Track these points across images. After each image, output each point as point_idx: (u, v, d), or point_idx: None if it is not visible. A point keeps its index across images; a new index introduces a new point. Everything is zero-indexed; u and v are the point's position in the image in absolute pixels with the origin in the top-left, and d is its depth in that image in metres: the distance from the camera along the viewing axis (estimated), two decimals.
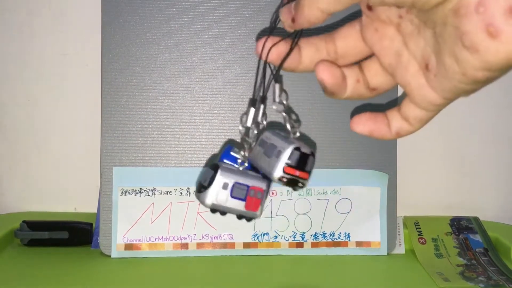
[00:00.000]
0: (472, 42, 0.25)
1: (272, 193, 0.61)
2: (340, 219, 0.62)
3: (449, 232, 0.65)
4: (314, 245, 0.62)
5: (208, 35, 0.60)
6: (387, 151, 0.63)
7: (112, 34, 0.59)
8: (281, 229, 0.61)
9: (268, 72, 0.38)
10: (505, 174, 0.73)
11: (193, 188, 0.60)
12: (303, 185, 0.36)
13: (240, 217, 0.39)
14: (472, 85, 0.28)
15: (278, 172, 0.35)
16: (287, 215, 0.61)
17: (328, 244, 0.62)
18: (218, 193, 0.36)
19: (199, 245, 0.60)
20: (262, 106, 0.37)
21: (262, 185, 0.38)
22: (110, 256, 0.58)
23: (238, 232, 0.60)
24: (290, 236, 0.61)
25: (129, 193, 0.59)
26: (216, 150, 0.60)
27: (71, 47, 0.67)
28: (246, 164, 0.38)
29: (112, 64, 0.59)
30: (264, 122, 0.37)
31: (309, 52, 0.35)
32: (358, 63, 0.35)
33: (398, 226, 0.64)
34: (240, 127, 0.37)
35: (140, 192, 0.59)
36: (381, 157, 0.62)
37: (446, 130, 0.72)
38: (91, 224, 0.62)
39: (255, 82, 0.38)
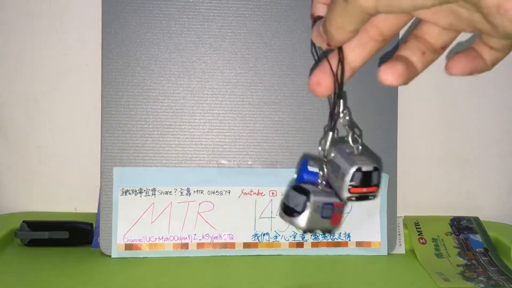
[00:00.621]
0: None
1: (273, 193, 0.61)
2: None
3: (449, 232, 0.65)
4: (314, 245, 0.62)
5: (208, 35, 0.60)
6: (387, 151, 0.63)
7: (112, 34, 0.59)
8: (281, 229, 0.61)
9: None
10: (505, 174, 0.73)
11: (193, 188, 0.60)
12: (375, 197, 0.38)
13: (324, 232, 0.41)
14: None
15: (345, 194, 0.37)
16: None
17: (328, 244, 0.62)
18: (311, 216, 0.38)
19: (199, 245, 0.60)
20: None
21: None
22: (110, 256, 0.58)
23: (238, 232, 0.60)
24: (290, 236, 0.61)
25: (129, 193, 0.59)
26: (216, 150, 0.60)
27: (71, 47, 0.67)
28: (324, 183, 0.39)
29: (112, 64, 0.59)
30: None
31: (356, 53, 0.35)
32: (413, 34, 0.34)
33: (398, 226, 0.64)
34: (320, 149, 0.39)
35: (140, 192, 0.59)
36: (381, 157, 0.62)
37: (446, 131, 0.72)
38: (91, 224, 0.62)
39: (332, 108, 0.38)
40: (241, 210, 0.60)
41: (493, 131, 0.72)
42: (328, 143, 0.38)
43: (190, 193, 0.60)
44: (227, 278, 0.55)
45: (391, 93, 0.63)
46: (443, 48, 0.34)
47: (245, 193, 0.60)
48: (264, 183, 0.61)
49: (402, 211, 0.66)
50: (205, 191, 0.60)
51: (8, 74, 0.67)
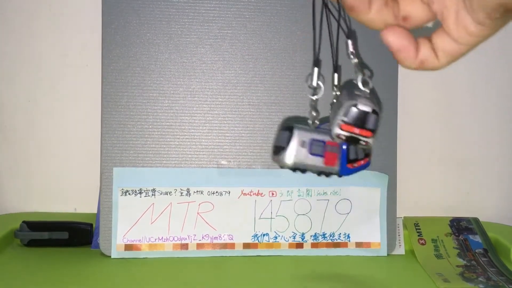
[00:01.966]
0: None
1: (272, 194, 0.61)
2: (340, 219, 0.62)
3: (449, 233, 0.66)
4: (314, 245, 0.62)
5: (208, 36, 0.60)
6: (387, 151, 0.63)
7: (112, 34, 0.59)
8: (281, 229, 0.61)
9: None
10: (505, 175, 0.73)
11: (193, 188, 0.60)
12: (367, 145, 0.36)
13: (319, 173, 0.39)
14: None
15: (335, 130, 0.35)
16: (287, 215, 0.61)
17: (328, 245, 0.62)
18: (297, 151, 0.37)
19: (199, 246, 0.60)
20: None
21: None
22: (110, 256, 0.58)
23: (238, 232, 0.60)
24: (290, 237, 0.61)
25: (129, 194, 0.59)
26: (216, 150, 0.60)
27: (72, 47, 0.67)
28: (317, 122, 0.38)
29: (113, 65, 0.59)
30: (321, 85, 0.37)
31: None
32: None
33: (398, 227, 0.64)
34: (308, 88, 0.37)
35: (140, 193, 0.59)
36: (381, 158, 0.62)
37: (446, 131, 0.72)
38: (91, 225, 0.62)
39: (314, 42, 0.37)
40: (241, 210, 0.60)
41: (493, 132, 0.73)
42: (314, 80, 0.37)
43: (190, 194, 0.60)
44: (227, 279, 0.55)
45: (391, 93, 0.63)
46: (405, 19, 0.33)
47: (245, 194, 0.60)
48: (264, 183, 0.61)
49: (402, 212, 0.67)
50: (205, 191, 0.60)
51: (8, 74, 0.67)
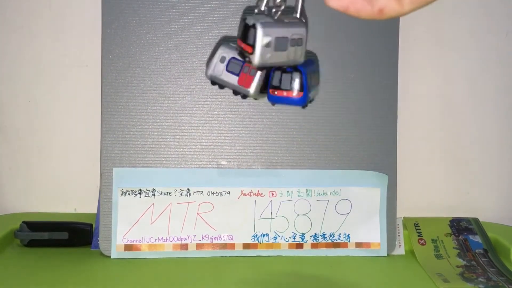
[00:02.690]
0: None
1: (272, 194, 0.61)
2: (340, 220, 0.62)
3: (448, 233, 0.65)
4: (314, 246, 0.62)
5: (208, 36, 0.60)
6: (387, 152, 0.63)
7: (112, 35, 0.59)
8: (281, 230, 0.61)
9: None
10: (505, 175, 0.73)
11: (193, 189, 0.60)
12: (250, 60, 0.36)
13: (235, 92, 0.40)
14: None
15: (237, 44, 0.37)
16: (287, 216, 0.61)
17: (328, 245, 0.62)
18: (215, 65, 0.39)
19: (199, 246, 0.60)
20: None
21: None
22: (110, 256, 0.58)
23: (238, 233, 0.60)
24: (290, 237, 0.61)
25: (129, 194, 0.59)
26: (216, 150, 0.60)
27: (72, 47, 0.67)
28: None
29: (112, 65, 0.59)
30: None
31: None
32: None
33: (398, 227, 0.64)
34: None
35: (140, 193, 0.59)
36: (381, 158, 0.62)
37: (446, 131, 0.72)
38: (91, 225, 0.62)
39: None
40: (241, 211, 0.60)
41: (493, 132, 0.73)
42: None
43: (189, 194, 0.60)
44: (226, 279, 0.55)
45: (391, 93, 0.63)
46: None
47: (244, 194, 0.60)
48: (264, 184, 0.61)
49: (401, 212, 0.66)
50: (205, 191, 0.60)
51: (8, 74, 0.67)
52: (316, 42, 0.61)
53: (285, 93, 0.39)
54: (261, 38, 0.35)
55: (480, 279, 0.56)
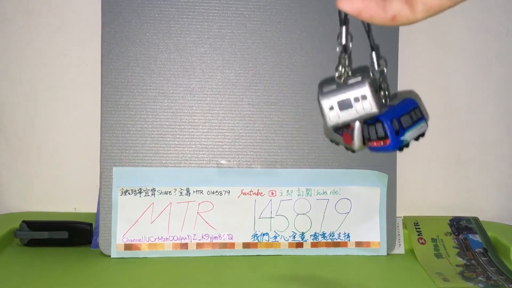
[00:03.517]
0: None
1: (272, 193, 0.61)
2: (339, 219, 0.62)
3: (448, 232, 0.65)
4: (314, 245, 0.62)
5: (208, 35, 0.60)
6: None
7: (112, 34, 0.59)
8: (280, 229, 0.61)
9: None
10: (505, 174, 0.73)
11: (193, 188, 0.60)
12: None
13: (347, 148, 0.44)
14: None
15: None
16: (287, 215, 0.61)
17: (328, 244, 0.62)
18: (328, 115, 0.41)
19: (199, 245, 0.60)
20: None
21: None
22: (109, 256, 0.58)
23: (238, 232, 0.60)
24: (289, 236, 0.61)
25: (129, 193, 0.59)
26: (215, 150, 0.60)
27: (71, 47, 0.67)
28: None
29: (112, 64, 0.59)
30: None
31: None
32: None
33: (398, 226, 0.64)
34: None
35: (140, 192, 0.59)
36: (381, 157, 0.62)
37: (446, 131, 0.72)
38: (90, 224, 0.62)
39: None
40: (241, 210, 0.60)
41: (493, 131, 0.73)
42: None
43: (189, 193, 0.60)
44: (226, 278, 0.55)
45: (391, 93, 0.63)
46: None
47: (244, 193, 0.60)
48: (264, 183, 0.61)
49: (401, 211, 0.66)
50: (205, 191, 0.60)
51: (8, 74, 0.67)
52: (317, 42, 0.61)
53: (375, 143, 0.42)
54: (324, 104, 0.41)
55: (480, 278, 0.56)
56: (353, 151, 0.44)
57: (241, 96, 0.61)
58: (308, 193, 0.61)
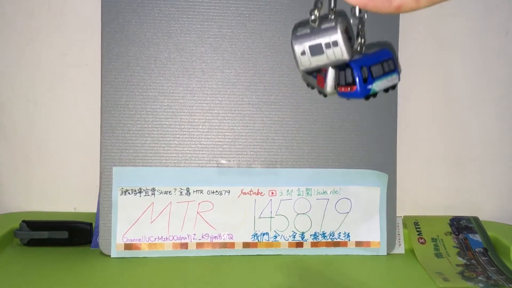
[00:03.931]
0: None
1: (272, 193, 0.61)
2: (339, 219, 0.62)
3: (448, 232, 0.65)
4: (314, 245, 0.62)
5: (208, 35, 0.60)
6: (387, 150, 0.63)
7: (111, 34, 0.59)
8: (280, 228, 0.61)
9: None
10: (505, 174, 0.73)
11: (193, 188, 0.60)
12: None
13: (319, 92, 0.45)
14: None
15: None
16: (287, 215, 0.61)
17: (328, 244, 0.62)
18: (300, 60, 0.41)
19: (199, 245, 0.60)
20: None
21: None
22: (109, 256, 0.58)
23: (238, 232, 0.60)
24: (289, 236, 0.61)
25: (129, 193, 0.59)
26: (216, 149, 0.60)
27: (71, 47, 0.67)
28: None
29: (112, 64, 0.59)
30: None
31: None
32: None
33: (398, 226, 0.64)
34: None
35: (140, 192, 0.59)
36: (381, 157, 0.62)
37: (446, 130, 0.72)
38: (90, 224, 0.62)
39: None
40: (241, 210, 0.60)
41: (493, 131, 0.73)
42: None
43: (189, 193, 0.60)
44: (226, 278, 0.55)
45: (391, 93, 0.63)
46: None
47: (244, 193, 0.60)
48: (264, 183, 0.61)
49: (401, 211, 0.67)
50: (205, 191, 0.60)
51: (8, 74, 0.67)
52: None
53: (343, 89, 0.42)
54: (296, 49, 0.41)
55: (480, 278, 0.56)
56: (325, 95, 0.44)
57: (241, 95, 0.61)
58: (308, 193, 0.61)
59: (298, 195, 0.61)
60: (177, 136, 0.60)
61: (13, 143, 0.68)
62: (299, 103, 0.61)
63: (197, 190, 0.60)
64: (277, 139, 0.61)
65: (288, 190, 0.61)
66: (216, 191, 0.60)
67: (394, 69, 0.45)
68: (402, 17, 0.63)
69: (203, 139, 0.60)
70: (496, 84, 0.72)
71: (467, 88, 0.72)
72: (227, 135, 0.61)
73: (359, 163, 0.62)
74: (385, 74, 0.44)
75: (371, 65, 0.42)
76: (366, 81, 0.42)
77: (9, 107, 0.68)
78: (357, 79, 0.41)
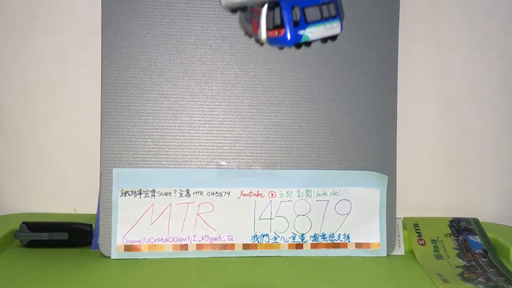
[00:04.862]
0: None
1: (272, 194, 0.61)
2: (339, 220, 0.62)
3: (448, 233, 0.66)
4: (314, 246, 0.62)
5: (208, 36, 0.60)
6: (387, 152, 0.63)
7: (112, 35, 0.59)
8: (280, 230, 0.61)
9: None
10: (505, 175, 0.73)
11: (193, 189, 0.60)
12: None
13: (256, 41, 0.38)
14: None
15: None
16: (287, 216, 0.61)
17: (328, 245, 0.62)
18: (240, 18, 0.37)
19: (199, 246, 0.60)
20: None
21: None
22: (109, 257, 0.59)
23: (238, 233, 0.60)
24: (289, 237, 0.61)
25: (129, 194, 0.59)
26: (215, 151, 0.60)
27: (71, 48, 0.67)
28: None
29: (112, 65, 0.59)
30: None
31: None
32: None
33: (398, 227, 0.64)
34: None
35: (140, 193, 0.59)
36: (381, 158, 0.62)
37: (445, 131, 0.72)
38: (90, 225, 0.62)
39: None
40: (241, 211, 0.60)
41: (492, 132, 0.73)
42: None
43: (189, 194, 0.60)
44: (226, 280, 0.55)
45: (391, 92, 0.63)
46: None
47: (244, 194, 0.60)
48: (264, 184, 0.61)
49: (401, 212, 0.66)
50: (205, 192, 0.60)
51: (8, 74, 0.67)
52: (316, 42, 0.61)
53: (270, 33, 0.36)
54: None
55: (479, 279, 0.56)
56: (261, 43, 0.37)
57: (241, 97, 0.61)
58: (308, 194, 0.61)
59: (298, 196, 0.61)
60: (177, 137, 0.60)
61: (13, 144, 0.68)
62: (299, 104, 0.61)
63: (197, 192, 0.60)
64: (277, 141, 0.61)
65: (288, 191, 0.61)
66: (216, 192, 0.60)
67: (336, 15, 0.37)
68: (402, 17, 0.63)
69: (203, 141, 0.60)
70: (496, 85, 0.72)
71: (467, 88, 0.72)
72: (227, 137, 0.61)
73: (359, 165, 0.62)
74: (323, 20, 0.36)
75: (306, 6, 0.35)
76: (297, 24, 0.34)
77: (9, 107, 0.68)
78: (286, 21, 0.34)
